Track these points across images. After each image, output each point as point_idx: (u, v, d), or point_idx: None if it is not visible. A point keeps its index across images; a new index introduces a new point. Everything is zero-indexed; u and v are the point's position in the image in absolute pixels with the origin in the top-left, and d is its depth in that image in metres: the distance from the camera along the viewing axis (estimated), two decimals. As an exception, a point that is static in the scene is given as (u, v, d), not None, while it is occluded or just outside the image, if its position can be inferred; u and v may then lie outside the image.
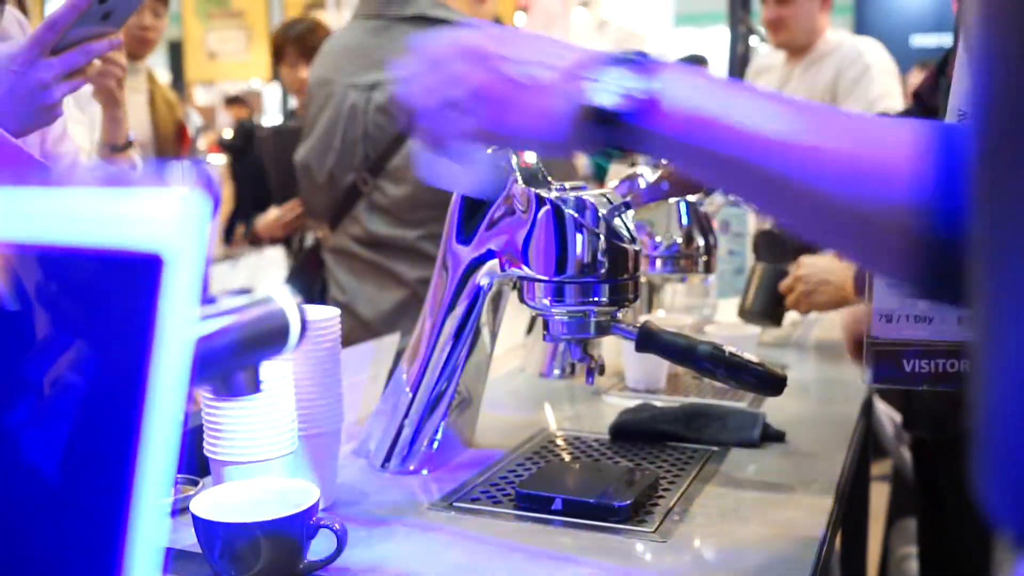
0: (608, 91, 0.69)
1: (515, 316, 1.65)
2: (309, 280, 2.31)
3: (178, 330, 0.35)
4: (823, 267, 1.78)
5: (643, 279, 1.60)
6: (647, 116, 0.68)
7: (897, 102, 2.96)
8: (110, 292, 0.37)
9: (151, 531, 0.35)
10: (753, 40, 4.07)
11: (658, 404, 1.35)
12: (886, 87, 2.94)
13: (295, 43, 3.05)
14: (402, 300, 1.94)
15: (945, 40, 6.90)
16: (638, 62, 0.70)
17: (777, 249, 1.90)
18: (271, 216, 2.89)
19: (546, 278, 1.02)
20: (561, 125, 0.70)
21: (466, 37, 0.73)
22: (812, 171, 0.64)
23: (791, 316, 1.90)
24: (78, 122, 1.76)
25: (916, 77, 4.95)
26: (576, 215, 1.00)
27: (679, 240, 1.55)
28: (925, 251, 0.60)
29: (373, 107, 1.92)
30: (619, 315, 1.06)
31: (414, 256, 1.93)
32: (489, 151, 0.83)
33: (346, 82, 1.97)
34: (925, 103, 1.79)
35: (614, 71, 0.70)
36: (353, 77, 1.97)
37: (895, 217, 0.62)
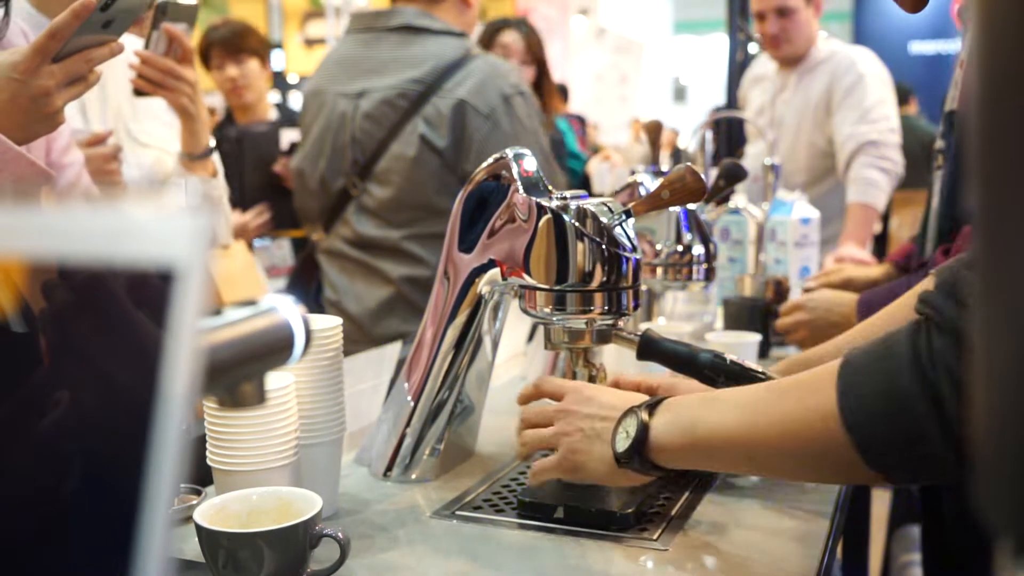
0: (619, 437, 0.93)
1: (516, 324, 1.66)
2: (306, 282, 2.34)
3: (189, 342, 0.35)
4: (827, 299, 1.72)
5: (644, 287, 1.60)
6: (645, 451, 0.91)
7: (891, 110, 2.97)
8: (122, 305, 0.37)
9: (159, 540, 0.35)
10: (752, 48, 4.08)
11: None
12: (880, 95, 2.94)
13: (220, 45, 3.07)
14: (387, 297, 2.04)
15: (943, 47, 6.89)
16: (644, 407, 0.92)
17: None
18: (237, 220, 2.85)
19: (547, 287, 1.02)
20: (608, 465, 0.95)
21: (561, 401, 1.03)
22: (764, 467, 0.91)
23: None
24: (171, 127, 1.78)
25: (912, 108, 4.94)
26: (577, 224, 1.01)
27: (679, 248, 1.55)
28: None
29: (360, 114, 2.02)
30: (620, 323, 1.06)
31: (398, 255, 2.02)
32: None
33: (336, 91, 2.07)
34: None
35: (628, 419, 0.93)
36: (342, 86, 2.07)
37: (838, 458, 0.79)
